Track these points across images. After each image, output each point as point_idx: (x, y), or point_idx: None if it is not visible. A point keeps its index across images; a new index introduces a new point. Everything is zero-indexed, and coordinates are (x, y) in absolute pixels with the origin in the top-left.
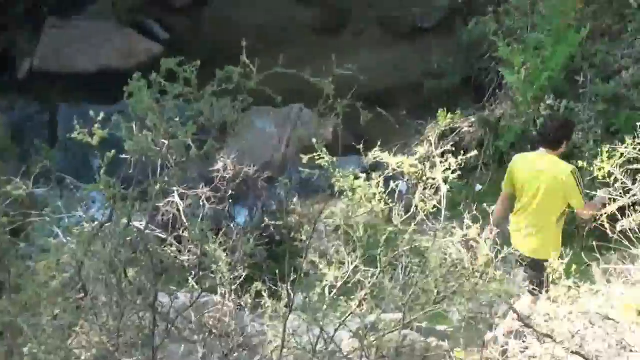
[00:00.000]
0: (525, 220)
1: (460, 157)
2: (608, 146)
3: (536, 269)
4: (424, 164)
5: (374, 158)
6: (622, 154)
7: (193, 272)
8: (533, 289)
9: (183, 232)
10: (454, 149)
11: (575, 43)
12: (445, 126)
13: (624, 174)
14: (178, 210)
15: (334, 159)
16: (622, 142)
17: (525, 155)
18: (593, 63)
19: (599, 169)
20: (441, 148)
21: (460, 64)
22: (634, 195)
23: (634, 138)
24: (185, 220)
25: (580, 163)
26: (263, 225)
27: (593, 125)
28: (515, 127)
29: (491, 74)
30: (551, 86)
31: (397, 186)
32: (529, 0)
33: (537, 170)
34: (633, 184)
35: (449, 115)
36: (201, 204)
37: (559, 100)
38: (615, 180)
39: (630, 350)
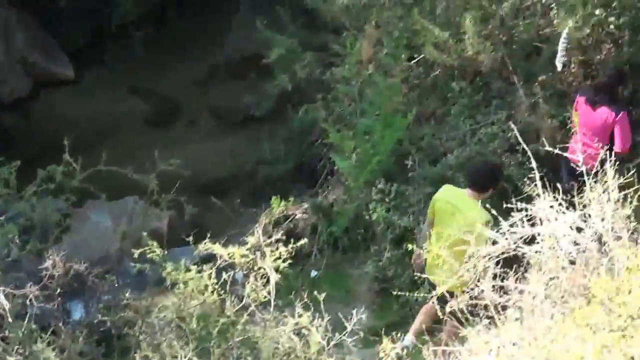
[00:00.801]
0: (439, 251)
1: (291, 245)
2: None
3: (446, 300)
4: (255, 254)
5: (205, 250)
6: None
7: None
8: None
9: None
10: (284, 237)
11: (402, 127)
12: (279, 213)
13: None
14: (4, 309)
15: (166, 251)
16: None
17: (452, 188)
18: (420, 146)
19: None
20: (275, 235)
21: (292, 151)
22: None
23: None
24: (10, 320)
25: (410, 246)
26: (96, 321)
27: (422, 208)
28: (347, 212)
29: (323, 160)
30: (381, 170)
31: (229, 277)
32: (357, 87)
33: (456, 208)
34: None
35: (283, 202)
36: (28, 303)
37: (389, 183)
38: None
39: None
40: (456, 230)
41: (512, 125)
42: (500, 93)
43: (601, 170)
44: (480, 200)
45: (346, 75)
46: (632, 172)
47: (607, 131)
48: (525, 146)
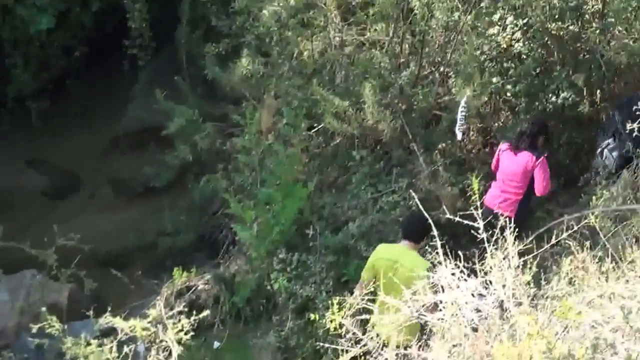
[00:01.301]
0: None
1: (193, 317)
2: (339, 297)
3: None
4: (156, 326)
5: (106, 323)
6: (351, 305)
7: None
8: None
9: None
10: (186, 309)
11: (303, 196)
12: (181, 284)
13: (354, 324)
14: None
15: (65, 326)
16: (352, 292)
17: (387, 246)
18: (321, 215)
19: (331, 321)
20: (177, 307)
21: (193, 222)
22: (364, 345)
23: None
24: None
25: (312, 316)
26: None
27: (324, 277)
28: (249, 282)
29: (224, 230)
30: (283, 240)
31: (131, 350)
32: (257, 157)
33: (398, 262)
34: (363, 334)
35: (185, 274)
36: None
37: (291, 253)
38: (347, 331)
39: None
40: (401, 283)
41: (413, 193)
42: (400, 161)
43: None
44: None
45: (246, 145)
46: (531, 238)
47: (527, 175)
48: (426, 214)
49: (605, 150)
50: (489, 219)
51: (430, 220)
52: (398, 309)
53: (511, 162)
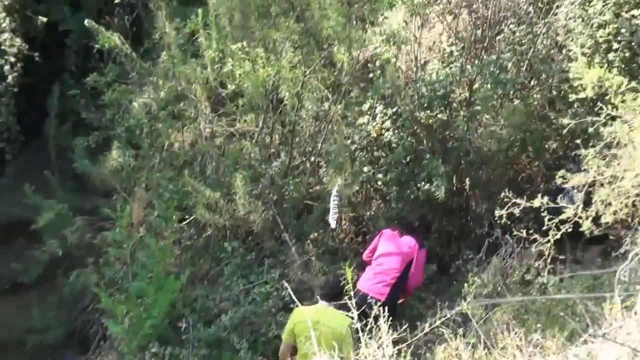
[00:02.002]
0: None
1: None
2: None
3: None
4: None
5: None
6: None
7: None
8: None
9: None
10: None
11: (176, 289)
12: None
13: None
14: None
15: None
16: None
17: (303, 308)
18: (194, 308)
19: None
20: None
21: (63, 318)
22: None
23: None
24: None
25: None
26: None
27: None
28: None
29: (95, 325)
30: (156, 334)
31: None
32: (128, 250)
33: (319, 323)
34: None
35: None
36: None
37: (163, 347)
38: None
39: None
40: (325, 342)
41: (286, 284)
42: (272, 252)
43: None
44: None
45: (117, 238)
46: (405, 326)
47: (407, 258)
48: (299, 303)
49: None
50: (363, 307)
51: (342, 284)
52: None
53: (393, 245)
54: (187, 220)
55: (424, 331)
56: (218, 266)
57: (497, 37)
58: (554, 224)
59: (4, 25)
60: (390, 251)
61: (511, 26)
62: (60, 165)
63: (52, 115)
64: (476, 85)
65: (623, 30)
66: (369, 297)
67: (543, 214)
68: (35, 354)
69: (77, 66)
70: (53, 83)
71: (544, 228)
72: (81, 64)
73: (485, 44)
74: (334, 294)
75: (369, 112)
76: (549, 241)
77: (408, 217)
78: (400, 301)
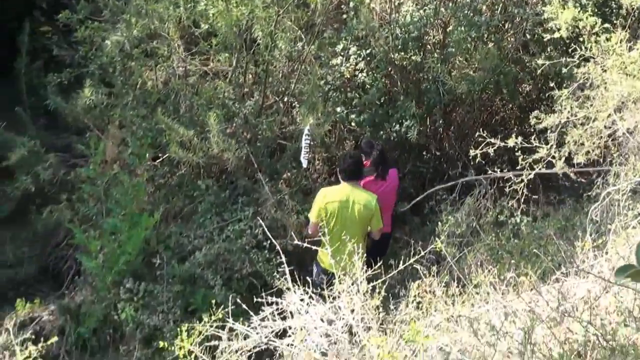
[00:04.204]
0: (338, 243)
1: (41, 344)
2: (187, 325)
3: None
4: (3, 354)
5: None
6: (200, 332)
7: None
8: None
9: None
10: (34, 336)
11: (149, 226)
12: (24, 316)
13: (203, 351)
14: None
15: None
16: (200, 320)
17: (331, 189)
18: (168, 245)
19: (180, 348)
20: (21, 337)
21: (36, 253)
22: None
23: (210, 316)
24: None
25: (161, 344)
26: None
27: (172, 306)
28: (96, 312)
29: (69, 261)
30: (129, 270)
31: None
32: (102, 187)
33: (349, 201)
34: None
35: (28, 305)
36: None
37: (137, 282)
38: (196, 358)
39: None
40: (357, 219)
41: (260, 221)
42: (246, 190)
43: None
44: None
45: (91, 175)
46: (379, 263)
47: (395, 189)
48: (274, 240)
49: None
50: None
51: (361, 159)
52: (356, 242)
53: (385, 184)
54: (161, 159)
55: (398, 268)
56: (192, 204)
57: None
58: (527, 164)
59: None
60: (386, 190)
61: None
62: (31, 103)
63: (24, 52)
64: (450, 28)
65: None
66: None
67: (517, 154)
68: (8, 289)
69: (48, 3)
70: (24, 20)
71: (518, 168)
72: (52, 0)
73: None
74: (356, 171)
75: (342, 53)
76: (522, 181)
77: (374, 157)
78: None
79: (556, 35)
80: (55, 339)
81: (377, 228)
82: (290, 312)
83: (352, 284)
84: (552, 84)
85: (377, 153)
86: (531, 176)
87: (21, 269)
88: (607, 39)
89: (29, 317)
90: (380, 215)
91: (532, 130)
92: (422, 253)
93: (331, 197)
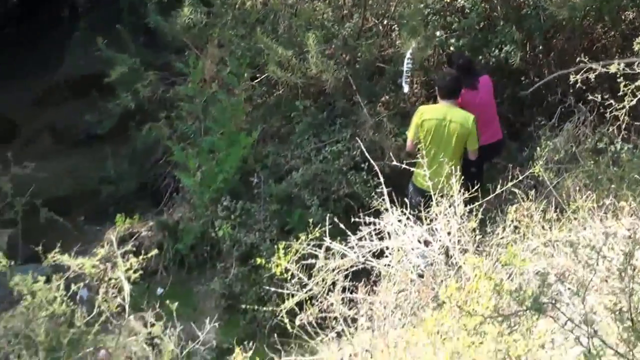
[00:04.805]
0: (436, 166)
1: (142, 257)
2: (284, 243)
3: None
4: (105, 265)
5: (54, 261)
6: (296, 251)
7: None
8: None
9: None
10: (134, 249)
11: (247, 145)
12: (124, 231)
13: (299, 269)
14: None
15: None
16: (297, 239)
17: (430, 107)
18: (265, 164)
19: (277, 266)
20: (124, 247)
21: (136, 170)
22: (310, 290)
23: (307, 235)
24: None
25: (258, 260)
26: None
27: (268, 225)
28: (193, 229)
29: (167, 178)
30: (227, 188)
31: (79, 288)
32: (201, 105)
33: (446, 120)
34: (309, 279)
35: (128, 220)
36: None
37: (235, 201)
38: (292, 276)
39: None
40: (456, 138)
41: (359, 142)
42: (344, 112)
43: None
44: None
45: (190, 93)
46: (477, 186)
47: (492, 94)
48: (373, 162)
49: None
50: None
51: (460, 78)
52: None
53: (480, 93)
54: (259, 78)
55: (496, 192)
56: (289, 124)
57: None
58: (629, 90)
59: None
60: (484, 98)
61: None
62: (132, 21)
63: None
64: None
65: None
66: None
67: (619, 80)
68: (108, 204)
69: None
70: None
71: (619, 94)
72: None
73: None
74: (454, 89)
75: None
76: (623, 107)
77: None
78: None
79: None
80: (155, 251)
81: (473, 148)
82: (388, 233)
83: (450, 207)
84: None
85: (461, 61)
86: (633, 102)
87: (121, 184)
88: None
89: (129, 233)
90: (477, 135)
91: (635, 56)
92: (520, 177)
93: (428, 114)
